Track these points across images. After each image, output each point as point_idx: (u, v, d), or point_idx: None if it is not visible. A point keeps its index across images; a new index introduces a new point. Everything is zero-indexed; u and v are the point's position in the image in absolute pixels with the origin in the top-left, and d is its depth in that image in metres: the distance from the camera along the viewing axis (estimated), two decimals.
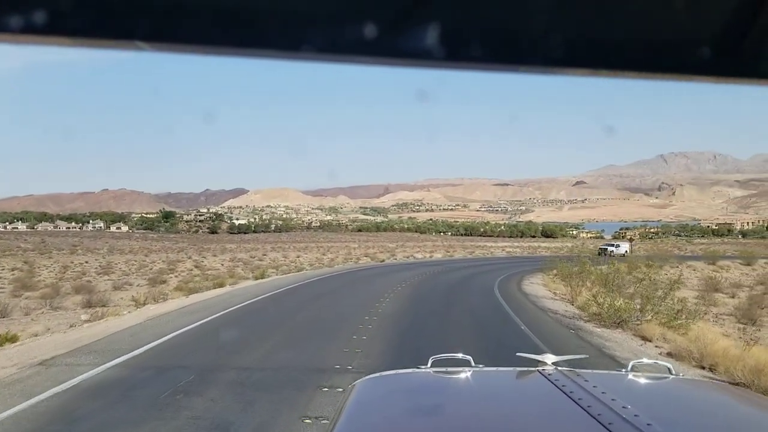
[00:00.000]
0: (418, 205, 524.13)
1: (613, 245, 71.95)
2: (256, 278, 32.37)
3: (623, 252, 66.49)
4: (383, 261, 54.96)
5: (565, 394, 2.17)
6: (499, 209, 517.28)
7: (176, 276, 37.46)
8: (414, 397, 2.47)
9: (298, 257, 63.80)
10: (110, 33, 0.55)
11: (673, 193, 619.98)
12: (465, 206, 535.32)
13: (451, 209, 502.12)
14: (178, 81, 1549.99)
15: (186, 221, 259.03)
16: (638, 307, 16.40)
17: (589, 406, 1.99)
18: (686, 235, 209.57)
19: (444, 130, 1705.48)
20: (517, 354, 3.18)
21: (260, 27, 0.57)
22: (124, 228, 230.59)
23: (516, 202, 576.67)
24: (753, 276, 35.43)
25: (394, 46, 0.59)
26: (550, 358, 2.76)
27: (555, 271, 30.57)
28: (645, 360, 2.94)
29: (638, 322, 15.32)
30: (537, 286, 28.40)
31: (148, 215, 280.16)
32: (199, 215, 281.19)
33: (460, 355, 2.97)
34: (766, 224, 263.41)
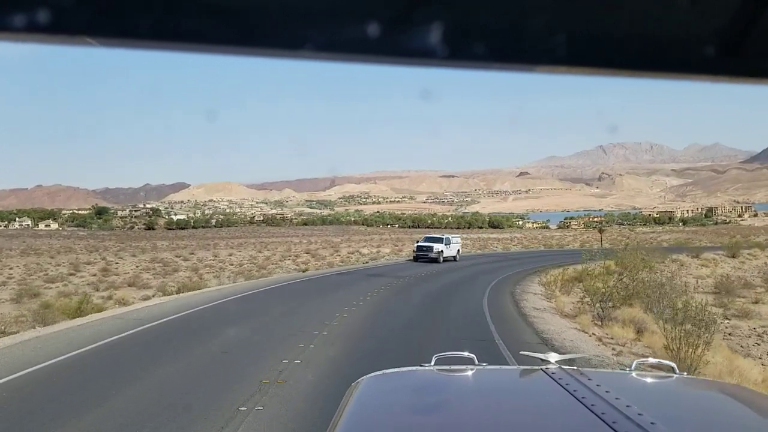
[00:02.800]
0: (364, 198, 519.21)
1: (441, 240, 43.41)
2: (70, 315, 16.82)
3: (454, 254, 44.25)
4: (306, 270, 35.74)
5: (569, 392, 2.16)
6: (446, 201, 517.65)
7: (66, 285, 30.68)
8: (417, 395, 2.48)
9: (230, 256, 57.24)
10: (113, 31, 0.55)
11: (613, 183, 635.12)
12: (412, 198, 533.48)
13: (398, 201, 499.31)
14: (113, 73, 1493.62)
15: (121, 217, 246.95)
16: None
17: (592, 405, 1.98)
18: (629, 224, 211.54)
19: (390, 122, 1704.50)
20: (521, 352, 3.04)
21: (261, 25, 0.56)
22: (54, 225, 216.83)
23: (462, 194, 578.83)
24: (748, 271, 31.32)
25: (396, 45, 0.59)
26: (553, 357, 2.72)
27: (549, 277, 22.49)
28: (649, 359, 2.88)
29: None
30: (556, 320, 17.37)
31: (80, 211, 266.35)
32: (135, 210, 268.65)
33: (463, 354, 2.90)
34: (704, 212, 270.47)
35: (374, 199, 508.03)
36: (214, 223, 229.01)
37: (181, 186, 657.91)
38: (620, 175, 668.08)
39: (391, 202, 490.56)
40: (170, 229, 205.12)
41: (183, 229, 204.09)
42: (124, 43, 0.56)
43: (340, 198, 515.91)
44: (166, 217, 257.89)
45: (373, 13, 0.57)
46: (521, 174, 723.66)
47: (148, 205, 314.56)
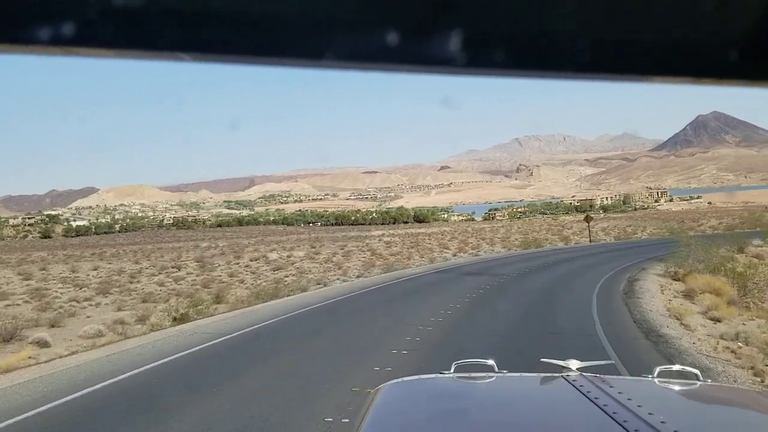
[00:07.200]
0: (285, 197, 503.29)
1: None
2: None
3: None
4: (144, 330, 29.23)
5: (590, 400, 2.14)
6: (369, 196, 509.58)
7: None
8: (437, 402, 2.48)
9: (94, 270, 44.28)
10: (138, 43, 0.56)
11: (531, 174, 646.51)
12: (334, 195, 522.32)
13: (321, 199, 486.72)
14: (15, 77, 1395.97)
15: (13, 226, 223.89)
16: None
17: (614, 413, 1.96)
18: (552, 213, 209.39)
19: (309, 121, 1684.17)
20: (541, 359, 3.01)
21: (283, 35, 0.57)
22: None
23: (385, 189, 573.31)
24: None
25: (416, 54, 0.59)
26: (574, 364, 2.66)
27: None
28: (672, 366, 2.87)
29: None
30: None
31: None
32: (29, 218, 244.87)
33: (485, 361, 2.85)
34: (622, 198, 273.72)
35: (296, 198, 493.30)
36: (117, 229, 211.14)
37: (89, 191, 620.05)
38: (537, 166, 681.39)
39: (313, 200, 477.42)
40: (68, 236, 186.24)
41: (82, 235, 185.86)
42: (146, 55, 0.57)
43: (260, 197, 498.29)
44: (65, 223, 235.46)
45: (396, 22, 0.58)
46: (442, 168, 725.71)
47: (45, 212, 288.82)
